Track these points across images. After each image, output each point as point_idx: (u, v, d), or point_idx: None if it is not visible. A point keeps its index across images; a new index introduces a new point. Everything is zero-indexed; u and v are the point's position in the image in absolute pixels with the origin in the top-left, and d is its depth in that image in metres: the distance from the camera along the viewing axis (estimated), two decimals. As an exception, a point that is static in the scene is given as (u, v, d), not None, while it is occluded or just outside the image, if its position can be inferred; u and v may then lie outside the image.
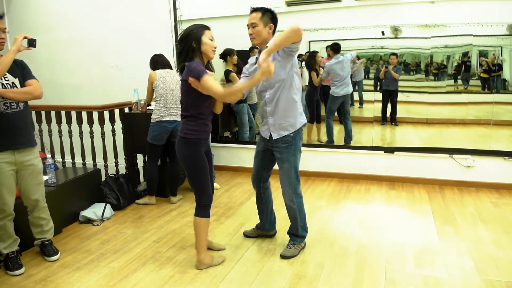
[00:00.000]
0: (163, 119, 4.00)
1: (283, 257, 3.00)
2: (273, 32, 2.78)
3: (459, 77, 4.77)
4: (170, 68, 4.19)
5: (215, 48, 2.69)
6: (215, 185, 4.72)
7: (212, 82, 2.53)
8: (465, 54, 4.65)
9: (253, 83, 2.55)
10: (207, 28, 2.67)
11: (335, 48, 5.04)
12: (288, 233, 3.16)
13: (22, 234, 3.07)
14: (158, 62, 4.16)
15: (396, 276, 2.70)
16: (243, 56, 4.79)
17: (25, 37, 2.74)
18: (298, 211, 3.03)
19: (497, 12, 4.31)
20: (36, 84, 2.87)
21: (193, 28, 2.63)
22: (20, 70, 2.84)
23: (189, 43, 2.58)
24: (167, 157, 4.29)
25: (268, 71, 2.36)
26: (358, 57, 5.15)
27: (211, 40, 2.65)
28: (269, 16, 2.75)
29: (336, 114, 5.30)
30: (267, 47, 2.56)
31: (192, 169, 2.72)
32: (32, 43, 2.79)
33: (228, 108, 5.34)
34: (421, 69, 4.85)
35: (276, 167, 3.05)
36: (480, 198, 4.22)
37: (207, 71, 2.58)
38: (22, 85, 2.82)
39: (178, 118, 4.01)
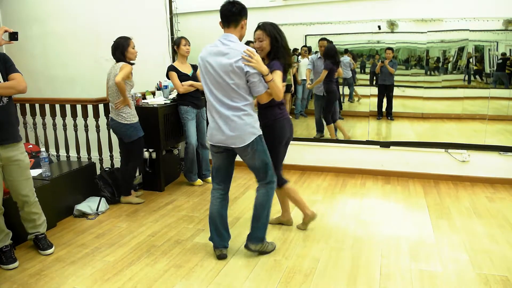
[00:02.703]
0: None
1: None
2: (223, 26, 2.71)
3: (454, 71, 4.77)
4: (118, 60, 3.84)
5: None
6: (210, 179, 4.70)
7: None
8: (461, 49, 4.64)
9: None
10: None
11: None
12: None
13: (15, 228, 3.06)
14: (117, 48, 3.81)
15: (391, 270, 2.71)
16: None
17: (5, 31, 2.69)
18: None
19: (493, 7, 4.30)
20: (20, 78, 2.78)
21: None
22: (2, 64, 2.75)
23: None
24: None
25: None
26: (352, 54, 5.16)
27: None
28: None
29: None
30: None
31: None
32: (13, 36, 2.72)
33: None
34: (417, 63, 4.85)
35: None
36: (475, 192, 4.24)
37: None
38: (5, 79, 2.73)
39: (114, 116, 3.92)
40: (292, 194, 3.27)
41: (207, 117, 2.82)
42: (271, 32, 2.89)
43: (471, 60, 4.64)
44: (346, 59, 5.14)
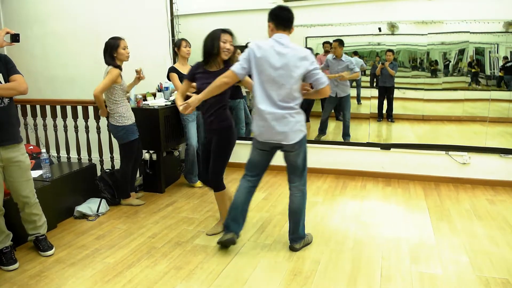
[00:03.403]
0: None
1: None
2: (277, 28, 2.81)
3: (455, 74, 4.77)
4: (107, 63, 3.76)
5: (227, 49, 3.01)
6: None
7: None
8: (462, 51, 4.65)
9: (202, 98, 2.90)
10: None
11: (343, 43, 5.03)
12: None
13: (16, 229, 3.05)
14: (106, 49, 3.73)
15: (391, 272, 2.71)
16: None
17: (7, 33, 2.69)
18: None
19: (494, 9, 4.31)
20: (21, 79, 2.78)
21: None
22: (4, 65, 2.75)
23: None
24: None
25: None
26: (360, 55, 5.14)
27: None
28: (269, 17, 2.85)
29: (333, 111, 5.31)
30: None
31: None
32: (15, 38, 2.71)
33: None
34: (418, 65, 4.85)
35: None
36: (475, 195, 4.23)
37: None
38: (6, 80, 2.73)
39: (109, 118, 3.90)
40: (226, 198, 3.33)
41: (250, 114, 2.92)
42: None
43: (473, 62, 4.64)
44: (360, 61, 5.12)
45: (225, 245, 3.05)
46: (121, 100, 3.82)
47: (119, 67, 3.74)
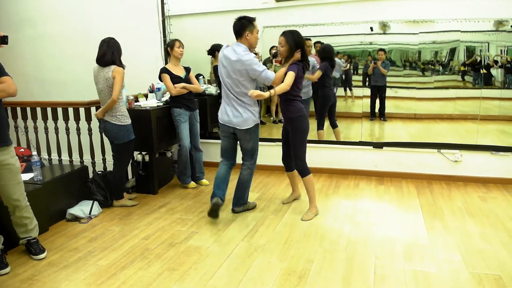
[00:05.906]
0: None
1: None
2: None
3: (446, 72, 4.80)
4: (104, 62, 3.72)
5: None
6: (204, 181, 4.69)
7: None
8: (453, 50, 4.68)
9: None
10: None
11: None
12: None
13: (6, 233, 3.02)
14: (115, 49, 3.75)
15: (385, 271, 2.71)
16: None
17: None
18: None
19: (484, 8, 4.34)
20: (10, 81, 2.74)
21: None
22: None
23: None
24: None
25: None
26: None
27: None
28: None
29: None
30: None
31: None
32: (3, 40, 2.68)
33: (217, 103, 5.30)
34: (409, 64, 4.87)
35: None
36: (468, 192, 4.26)
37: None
38: None
39: (107, 117, 3.80)
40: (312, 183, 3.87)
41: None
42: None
43: (467, 62, 4.67)
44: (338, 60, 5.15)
45: (214, 210, 3.50)
46: (121, 99, 3.83)
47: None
